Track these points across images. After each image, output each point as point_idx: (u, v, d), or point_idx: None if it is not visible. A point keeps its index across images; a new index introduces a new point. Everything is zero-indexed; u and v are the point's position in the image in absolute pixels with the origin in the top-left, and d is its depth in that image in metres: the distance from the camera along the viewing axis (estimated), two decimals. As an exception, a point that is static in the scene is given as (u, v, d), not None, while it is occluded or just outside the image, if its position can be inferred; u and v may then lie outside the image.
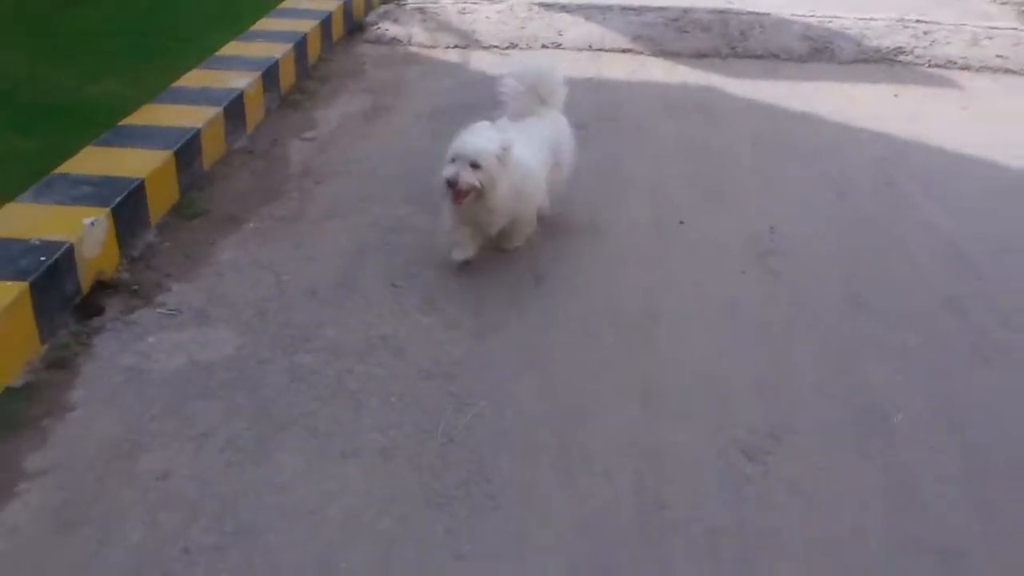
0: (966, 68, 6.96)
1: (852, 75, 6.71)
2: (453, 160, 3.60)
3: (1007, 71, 6.92)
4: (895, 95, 6.35)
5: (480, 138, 3.62)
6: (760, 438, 3.05)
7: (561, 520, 2.70)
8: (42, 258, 3.38)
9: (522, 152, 3.76)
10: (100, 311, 3.61)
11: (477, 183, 3.58)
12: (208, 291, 3.75)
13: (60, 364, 3.28)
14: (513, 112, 4.10)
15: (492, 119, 3.92)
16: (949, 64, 7.00)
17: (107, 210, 3.77)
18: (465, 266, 3.87)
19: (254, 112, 5.33)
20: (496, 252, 4.03)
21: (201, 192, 4.52)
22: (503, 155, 3.60)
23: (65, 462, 2.85)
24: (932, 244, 4.33)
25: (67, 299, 3.49)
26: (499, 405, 3.15)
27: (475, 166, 3.57)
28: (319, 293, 3.74)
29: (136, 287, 3.75)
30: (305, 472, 2.84)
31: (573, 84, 4.35)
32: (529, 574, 2.53)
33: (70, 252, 3.50)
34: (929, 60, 7.03)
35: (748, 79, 6.52)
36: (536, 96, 4.11)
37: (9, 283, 3.23)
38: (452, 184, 3.57)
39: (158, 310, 3.61)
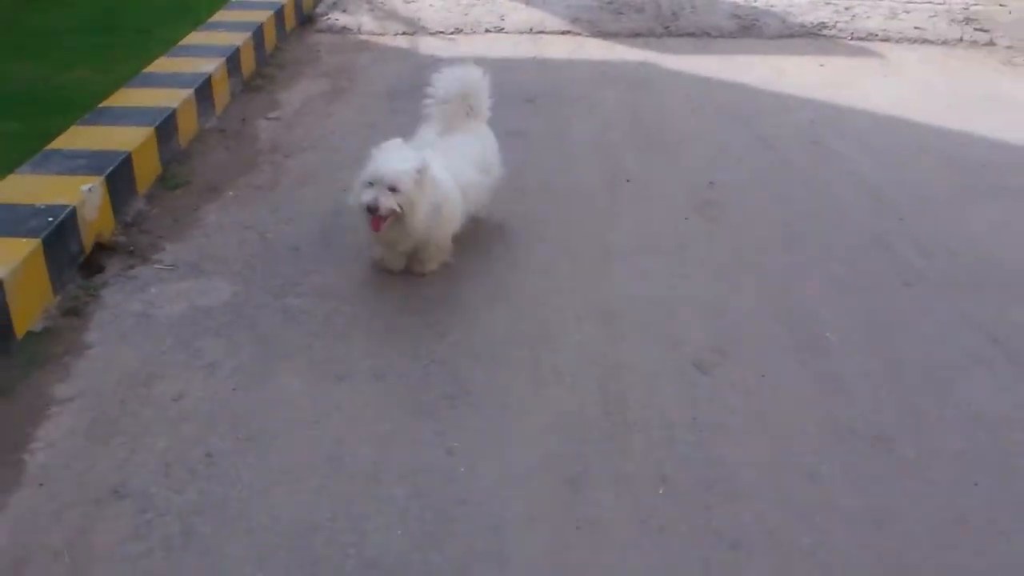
0: (886, 40, 7.48)
1: (780, 49, 7.20)
2: (370, 184, 3.46)
3: (924, 41, 7.46)
4: (820, 65, 6.84)
5: (396, 159, 3.48)
6: (708, 353, 3.46)
7: (534, 421, 3.08)
8: (49, 219, 3.70)
9: (440, 171, 3.64)
10: (101, 269, 3.93)
11: (397, 207, 3.46)
12: (199, 249, 4.08)
13: (73, 312, 3.60)
14: (439, 125, 3.99)
15: (412, 133, 3.94)
16: (870, 36, 7.52)
17: (101, 178, 4.09)
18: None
19: (221, 95, 5.66)
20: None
21: (181, 166, 4.84)
22: (420, 175, 3.47)
23: (89, 390, 3.18)
24: (857, 190, 4.80)
25: (73, 257, 3.81)
26: (473, 332, 3.53)
27: (394, 190, 3.44)
28: (302, 248, 4.09)
29: (132, 248, 4.07)
30: (306, 391, 3.20)
31: (518, 64, 4.71)
32: (509, 464, 2.91)
33: (73, 214, 3.82)
34: (852, 33, 7.54)
35: (682, 55, 6.98)
36: (464, 107, 4.00)
37: (24, 240, 3.54)
38: (372, 210, 3.44)
39: (155, 266, 3.94)
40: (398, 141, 3.62)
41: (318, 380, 3.25)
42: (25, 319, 3.45)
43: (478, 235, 4.18)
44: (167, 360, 3.33)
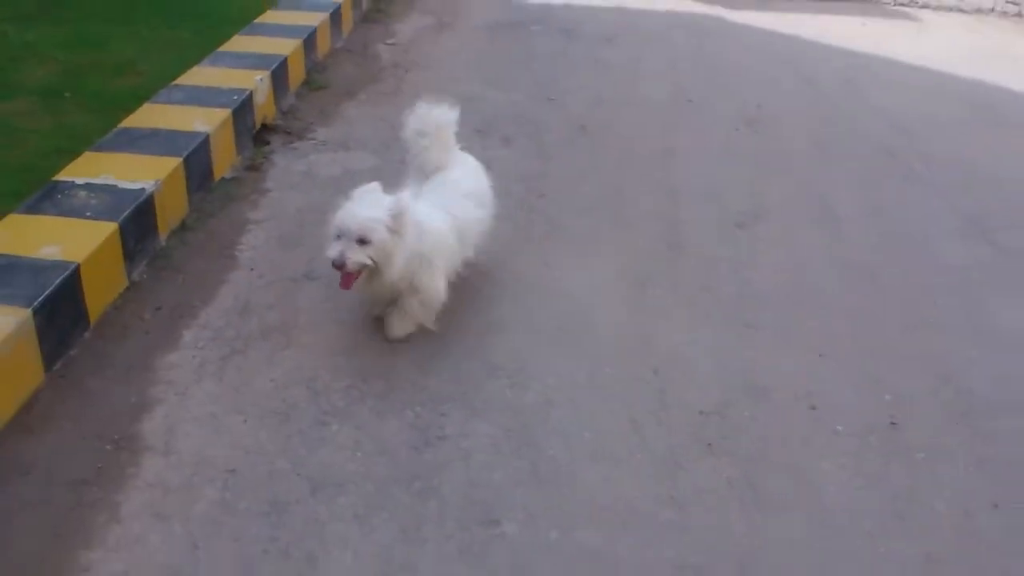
0: (925, 7, 8.41)
1: (828, 10, 8.17)
2: (339, 236, 3.07)
3: (960, 10, 8.38)
4: (862, 24, 7.79)
5: (366, 206, 3.10)
6: (746, 217, 4.46)
7: (612, 250, 4.10)
8: (234, 97, 4.79)
9: (430, 213, 3.32)
10: (267, 143, 5.01)
11: (368, 260, 3.07)
12: (343, 132, 5.15)
13: (253, 168, 4.69)
14: (422, 166, 3.65)
15: (407, 176, 3.72)
16: (911, 3, 8.45)
17: (268, 72, 5.17)
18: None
19: (347, 22, 6.74)
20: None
21: (320, 74, 5.92)
22: (395, 222, 3.07)
23: (273, 216, 4.25)
24: (877, 117, 5.76)
25: (249, 129, 4.90)
26: (564, 195, 4.55)
27: (364, 242, 3.05)
28: (425, 134, 5.14)
29: (290, 130, 5.15)
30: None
31: (601, 11, 5.68)
32: (592, 274, 3.93)
33: (249, 96, 4.90)
34: (894, 0, 8.48)
35: (743, 11, 7.98)
36: (442, 142, 3.63)
37: (218, 110, 4.63)
38: (338, 266, 3.06)
39: (311, 142, 5.02)
40: (374, 185, 3.21)
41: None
42: (220, 168, 4.54)
43: (569, 129, 5.20)
44: (330, 202, 4.39)
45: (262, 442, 2.90)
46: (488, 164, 4.69)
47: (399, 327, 3.38)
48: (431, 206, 3.37)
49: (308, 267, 3.81)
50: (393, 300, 3.35)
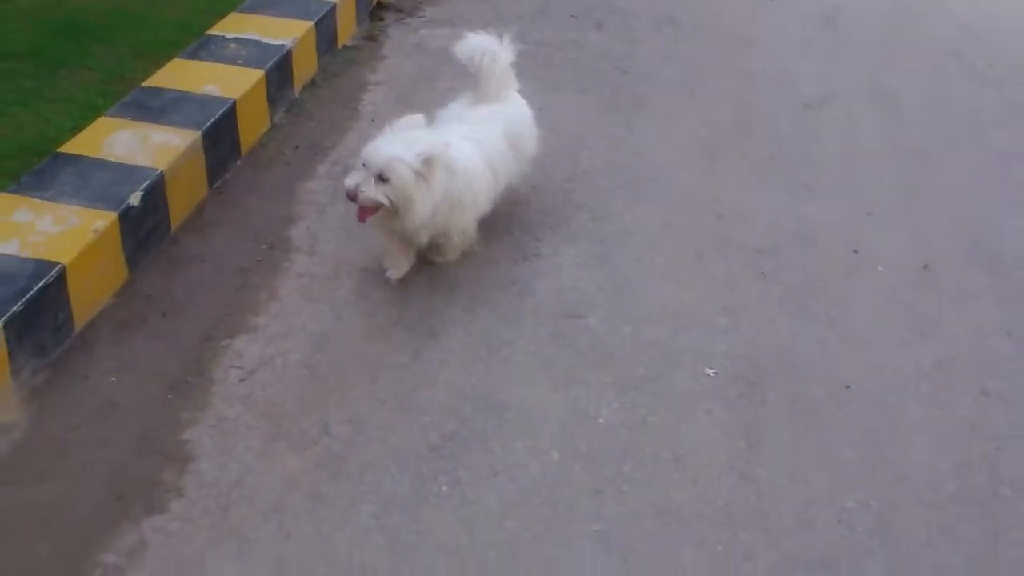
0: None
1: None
2: (363, 166, 2.96)
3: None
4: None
5: (397, 142, 2.96)
6: (813, 100, 4.93)
7: (687, 123, 4.59)
8: (356, -26, 5.34)
9: (466, 153, 3.19)
10: (381, 19, 5.57)
11: (384, 200, 2.94)
12: (449, 12, 5.67)
13: (370, 38, 5.25)
14: (469, 97, 3.55)
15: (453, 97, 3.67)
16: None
17: (384, -46, 5.70)
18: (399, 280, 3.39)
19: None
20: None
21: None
22: (424, 167, 2.94)
23: (390, 79, 4.82)
24: (949, 22, 6.09)
25: (367, 4, 5.46)
26: (649, 74, 5.04)
27: (383, 179, 2.92)
28: (525, 17, 5.65)
29: (401, 8, 5.70)
30: (529, 97, 4.77)
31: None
32: (668, 140, 4.42)
33: (369, -26, 5.45)
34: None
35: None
36: (492, 77, 3.47)
37: (343, -16, 5.19)
38: (351, 198, 2.94)
39: (420, 19, 5.56)
40: (417, 118, 3.10)
41: (542, 92, 4.82)
42: (343, 36, 5.11)
43: (655, 20, 5.68)
44: (440, 70, 4.95)
45: (389, 248, 3.51)
46: (580, 46, 5.22)
47: (448, 255, 3.40)
48: (466, 139, 3.22)
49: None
50: (420, 244, 3.26)
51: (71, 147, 3.44)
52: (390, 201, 2.94)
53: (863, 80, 5.14)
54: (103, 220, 3.09)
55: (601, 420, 2.84)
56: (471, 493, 2.58)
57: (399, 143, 2.96)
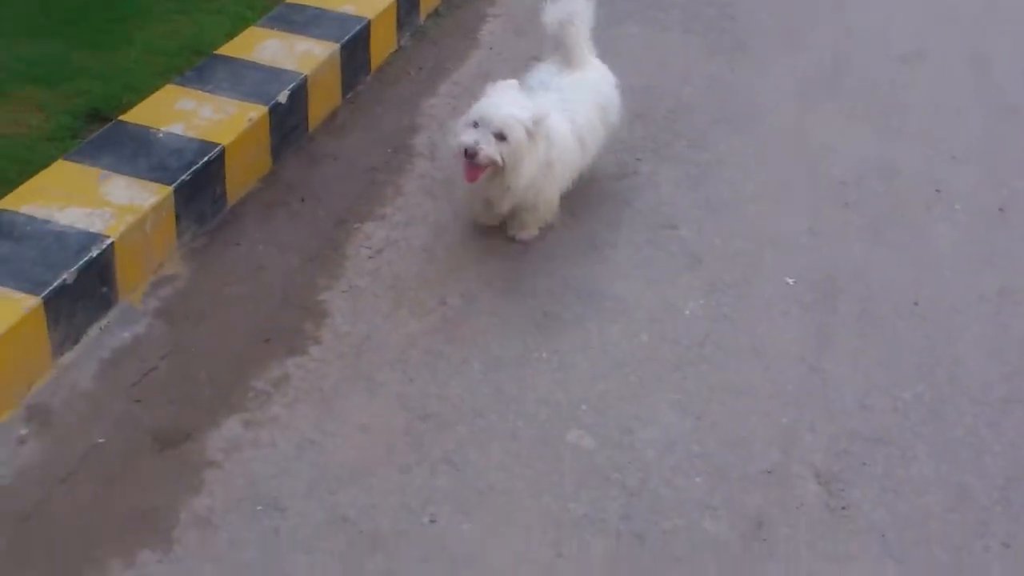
0: None
1: None
2: (475, 124, 2.97)
3: None
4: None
5: (511, 103, 3.01)
6: (909, 54, 5.12)
7: (786, 67, 4.87)
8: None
9: (559, 122, 3.20)
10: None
11: (499, 159, 2.96)
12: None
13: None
14: (556, 63, 3.50)
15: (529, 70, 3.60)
16: None
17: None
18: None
19: None
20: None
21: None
22: (535, 128, 2.98)
23: (507, 12, 5.11)
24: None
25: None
26: (750, 22, 5.27)
27: (500, 137, 2.94)
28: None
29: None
30: (641, 36, 5.07)
31: None
32: (766, 81, 4.71)
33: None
34: None
35: None
36: (577, 42, 3.44)
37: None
38: (471, 155, 2.94)
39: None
40: (514, 83, 3.17)
41: (651, 32, 5.13)
42: (465, -27, 5.46)
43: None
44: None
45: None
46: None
47: (528, 229, 3.40)
48: (557, 109, 3.21)
49: (537, 50, 4.74)
50: (501, 214, 3.31)
51: (226, 50, 3.86)
52: (503, 160, 2.96)
53: (959, 39, 5.32)
54: (256, 112, 3.51)
55: (687, 312, 3.19)
56: (568, 360, 2.95)
57: (511, 103, 3.00)
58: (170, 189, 3.07)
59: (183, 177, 3.12)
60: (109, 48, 3.80)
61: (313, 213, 3.51)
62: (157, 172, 3.10)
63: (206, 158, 3.22)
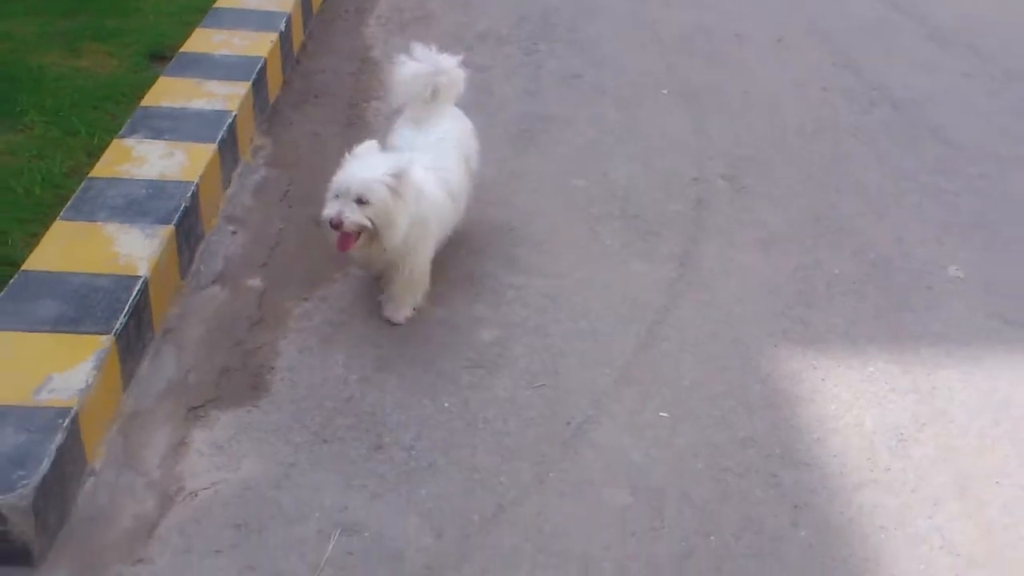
0: None
1: None
2: (337, 196, 2.98)
3: None
4: None
5: (366, 166, 3.01)
6: None
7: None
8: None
9: (426, 177, 3.19)
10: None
11: (366, 222, 2.96)
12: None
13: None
14: (412, 115, 3.50)
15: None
16: None
17: None
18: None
19: None
20: None
21: None
22: (396, 183, 2.97)
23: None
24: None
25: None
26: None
27: (362, 202, 2.95)
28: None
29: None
30: None
31: None
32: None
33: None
34: None
35: None
36: (436, 92, 3.44)
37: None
38: (335, 225, 2.95)
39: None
40: (372, 144, 3.16)
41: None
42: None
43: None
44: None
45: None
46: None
47: (398, 312, 3.31)
48: (426, 168, 3.22)
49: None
50: (383, 273, 3.28)
51: (223, 4, 5.17)
52: (371, 223, 2.96)
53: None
54: (272, 37, 4.85)
55: (610, 118, 4.80)
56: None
57: (367, 166, 3.01)
58: (249, 84, 4.40)
59: (252, 77, 4.45)
60: (130, 14, 5.01)
61: (329, 103, 4.88)
62: (236, 78, 4.39)
63: (258, 66, 4.55)
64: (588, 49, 5.46)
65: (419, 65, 3.43)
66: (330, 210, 2.97)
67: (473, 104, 4.04)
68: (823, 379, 3.24)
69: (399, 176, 2.98)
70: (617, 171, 4.33)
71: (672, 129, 4.68)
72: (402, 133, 3.45)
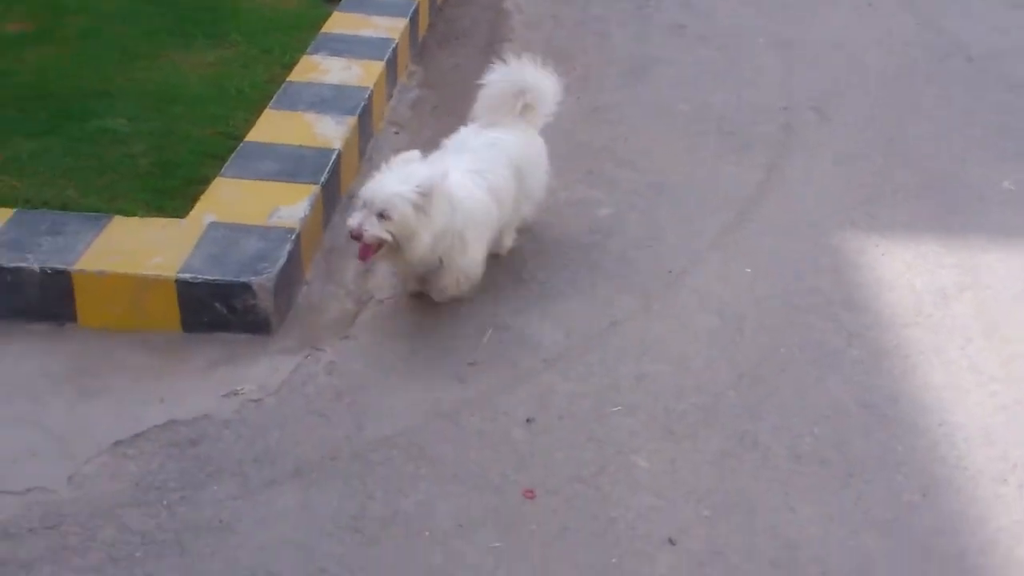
0: None
1: None
2: (363, 206, 3.00)
3: None
4: None
5: (395, 181, 3.01)
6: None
7: None
8: None
9: (465, 184, 3.20)
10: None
11: (386, 236, 2.98)
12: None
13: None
14: (487, 119, 3.49)
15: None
16: None
17: None
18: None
19: None
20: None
21: None
22: (423, 199, 2.97)
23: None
24: None
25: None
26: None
27: (384, 216, 2.96)
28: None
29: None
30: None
31: None
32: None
33: None
34: None
35: None
36: (514, 105, 3.47)
37: None
38: (355, 236, 2.99)
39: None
40: (414, 154, 3.19)
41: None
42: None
43: None
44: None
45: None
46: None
47: (445, 292, 3.35)
48: (468, 170, 3.25)
49: None
50: (427, 276, 3.31)
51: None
52: (392, 236, 2.97)
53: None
54: (422, -14, 5.71)
55: (709, 53, 5.55)
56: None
57: (396, 179, 3.00)
58: (407, 19, 5.26)
59: (409, 15, 5.31)
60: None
61: (468, 42, 5.71)
62: (396, 15, 5.23)
63: (413, 7, 5.41)
64: (693, 5, 6.19)
65: (506, 82, 3.46)
66: (352, 220, 3.00)
67: (592, 47, 4.81)
68: (883, 254, 3.93)
69: (427, 193, 2.98)
70: (715, 99, 5.06)
71: (766, 70, 5.39)
72: (460, 131, 3.50)
